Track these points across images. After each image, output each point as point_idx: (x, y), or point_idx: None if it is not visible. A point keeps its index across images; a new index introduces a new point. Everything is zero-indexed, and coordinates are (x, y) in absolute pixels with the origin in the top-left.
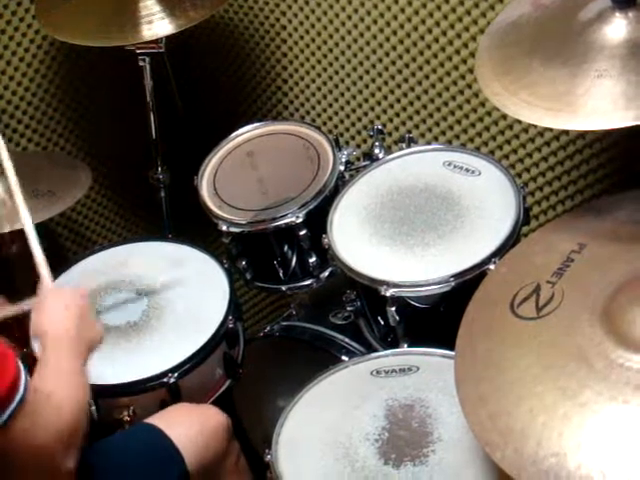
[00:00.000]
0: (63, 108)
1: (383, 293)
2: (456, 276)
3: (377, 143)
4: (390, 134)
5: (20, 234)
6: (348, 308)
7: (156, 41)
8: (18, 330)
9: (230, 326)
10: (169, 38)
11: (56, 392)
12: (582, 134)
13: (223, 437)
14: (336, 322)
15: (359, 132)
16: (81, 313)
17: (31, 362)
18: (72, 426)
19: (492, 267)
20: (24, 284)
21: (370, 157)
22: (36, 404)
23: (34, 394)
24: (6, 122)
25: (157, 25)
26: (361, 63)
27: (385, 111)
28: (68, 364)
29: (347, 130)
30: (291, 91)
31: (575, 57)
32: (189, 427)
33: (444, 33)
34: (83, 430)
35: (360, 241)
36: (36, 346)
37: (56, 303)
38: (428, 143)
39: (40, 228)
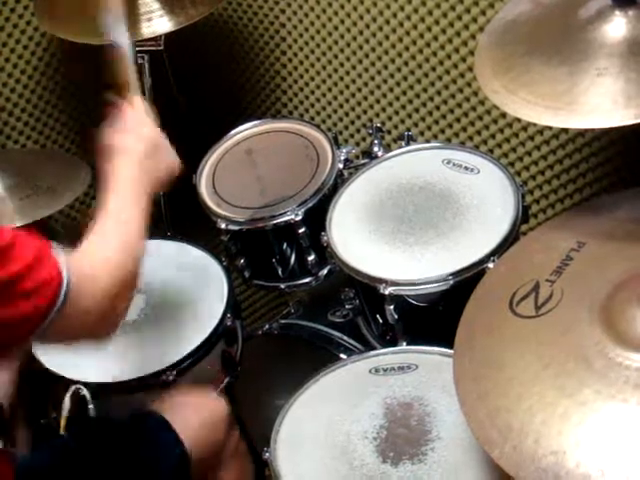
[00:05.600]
0: (62, 105)
1: (382, 291)
2: (455, 274)
3: (376, 141)
4: (389, 132)
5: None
6: (347, 306)
7: (155, 39)
8: None
9: (228, 324)
10: (168, 36)
11: (110, 240)
12: (581, 132)
13: (223, 422)
14: (335, 320)
15: (358, 130)
16: (156, 141)
17: None
18: (122, 277)
19: (491, 265)
20: None
21: (369, 155)
22: (81, 285)
23: (78, 277)
24: (5, 119)
25: (156, 22)
26: (360, 61)
27: (384, 109)
28: (130, 195)
29: (346, 128)
30: (290, 89)
31: (575, 55)
32: (188, 412)
33: (443, 31)
34: (136, 278)
35: (359, 239)
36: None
37: (134, 121)
38: (427, 141)
39: None
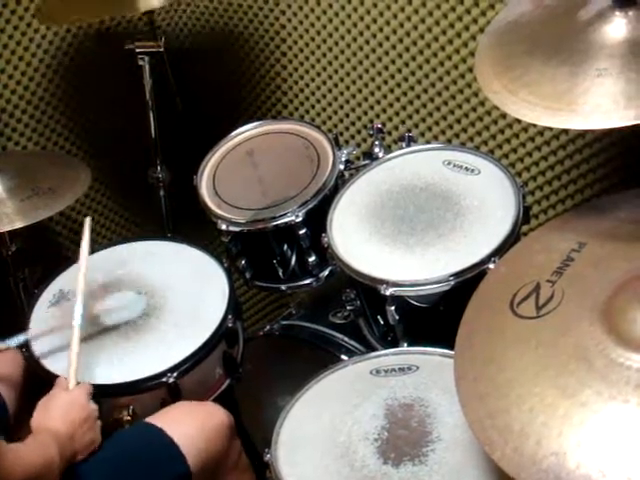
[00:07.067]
0: (63, 107)
1: (383, 292)
2: (456, 275)
3: (377, 142)
4: (390, 133)
5: (19, 234)
6: (348, 307)
7: (155, 40)
8: None
9: (230, 325)
10: (168, 37)
11: None
12: (582, 133)
13: (225, 435)
14: (336, 321)
15: (359, 131)
16: (80, 422)
17: None
18: None
19: (492, 266)
20: (20, 283)
21: (370, 156)
22: None
23: None
24: (6, 121)
25: None
26: (360, 62)
27: (385, 110)
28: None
29: (347, 129)
30: (290, 90)
31: (575, 56)
32: (190, 426)
33: (444, 32)
34: None
35: (360, 240)
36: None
37: (60, 404)
38: (428, 142)
39: None
